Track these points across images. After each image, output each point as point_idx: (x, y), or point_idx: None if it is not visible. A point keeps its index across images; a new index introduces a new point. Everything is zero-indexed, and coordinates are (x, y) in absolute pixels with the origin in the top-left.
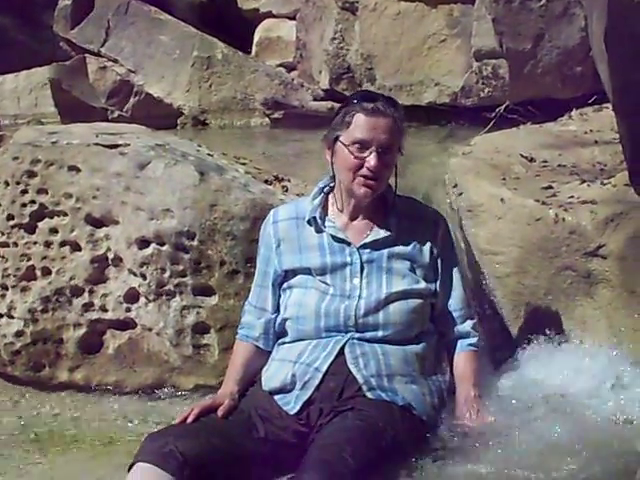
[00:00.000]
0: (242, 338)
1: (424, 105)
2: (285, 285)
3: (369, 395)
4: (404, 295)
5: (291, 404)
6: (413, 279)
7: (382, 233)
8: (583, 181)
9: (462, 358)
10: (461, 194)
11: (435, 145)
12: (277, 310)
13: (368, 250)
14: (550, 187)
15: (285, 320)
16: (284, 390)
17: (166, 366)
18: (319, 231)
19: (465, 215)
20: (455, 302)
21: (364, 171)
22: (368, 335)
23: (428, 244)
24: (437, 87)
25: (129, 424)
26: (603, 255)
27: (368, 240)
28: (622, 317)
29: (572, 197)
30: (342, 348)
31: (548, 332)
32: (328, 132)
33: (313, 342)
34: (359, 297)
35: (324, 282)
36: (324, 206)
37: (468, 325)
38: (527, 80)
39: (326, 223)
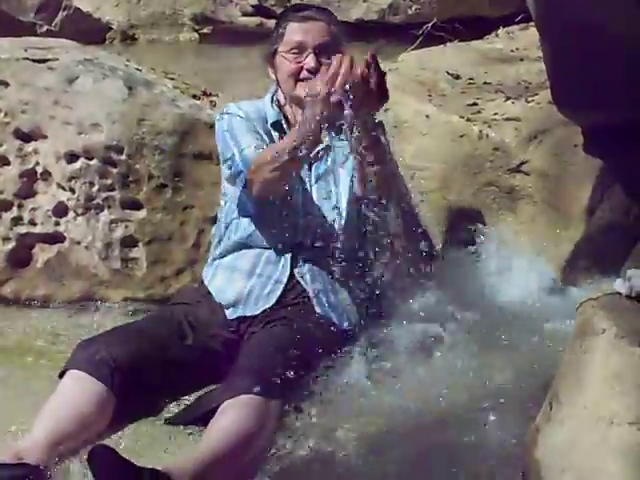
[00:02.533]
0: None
1: (352, 22)
2: None
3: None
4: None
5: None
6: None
7: (326, 142)
8: (508, 98)
9: None
10: (387, 110)
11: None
12: None
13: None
14: (475, 104)
15: (231, 221)
16: (238, 303)
17: (95, 279)
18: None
19: (391, 131)
20: None
21: (304, 74)
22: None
23: None
24: (365, 4)
25: (58, 336)
26: (526, 171)
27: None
28: (544, 231)
29: (496, 114)
30: (292, 260)
31: (471, 247)
32: (267, 50)
33: (265, 253)
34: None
35: None
36: None
37: None
38: None
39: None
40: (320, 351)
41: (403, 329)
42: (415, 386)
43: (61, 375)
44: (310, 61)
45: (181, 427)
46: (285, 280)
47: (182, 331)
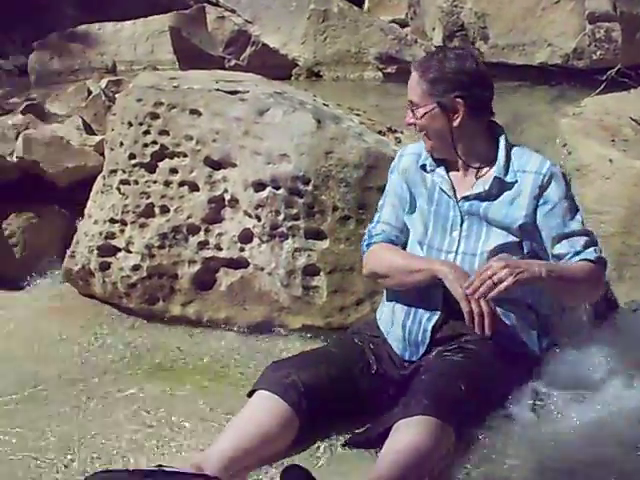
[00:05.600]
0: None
1: (536, 65)
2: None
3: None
4: (502, 249)
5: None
6: (512, 233)
7: (482, 187)
8: None
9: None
10: (570, 154)
11: (546, 105)
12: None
13: (469, 203)
14: None
15: None
16: (399, 346)
17: (275, 305)
18: (427, 177)
19: (574, 174)
20: (563, 246)
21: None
22: None
23: (528, 198)
24: (550, 48)
25: (238, 358)
26: None
27: (469, 193)
28: None
29: None
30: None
31: None
32: None
33: (415, 298)
34: (456, 252)
35: (426, 232)
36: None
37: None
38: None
39: (434, 170)
40: (499, 382)
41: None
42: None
43: (250, 394)
44: (407, 117)
45: (356, 450)
46: (436, 318)
47: (366, 359)
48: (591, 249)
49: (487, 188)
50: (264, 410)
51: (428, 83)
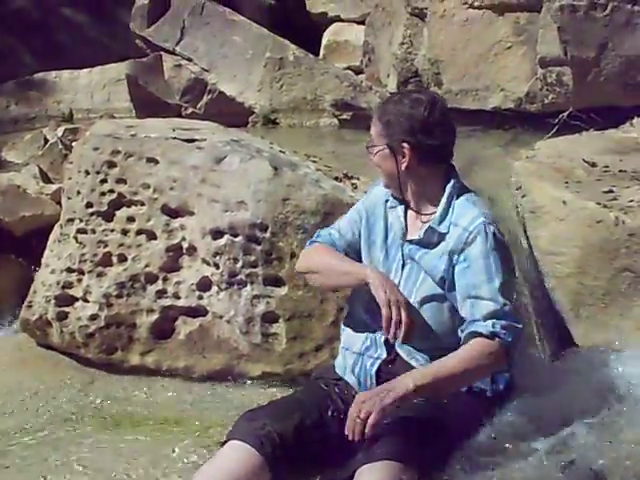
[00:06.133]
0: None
1: (489, 110)
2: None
3: None
4: (432, 299)
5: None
6: (438, 285)
7: (418, 234)
8: None
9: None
10: (524, 196)
11: (500, 149)
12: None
13: (410, 247)
14: (611, 191)
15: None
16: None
17: (235, 353)
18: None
19: (528, 216)
20: (464, 309)
21: None
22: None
23: (449, 253)
24: (502, 92)
25: (198, 407)
26: None
27: (412, 237)
28: None
29: (632, 201)
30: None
31: (606, 333)
32: None
33: (364, 337)
34: None
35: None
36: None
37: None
38: (590, 88)
39: (394, 207)
40: (457, 423)
41: None
42: None
43: (223, 443)
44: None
45: None
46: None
47: (334, 403)
48: (489, 322)
49: (421, 236)
50: (236, 460)
51: (382, 125)
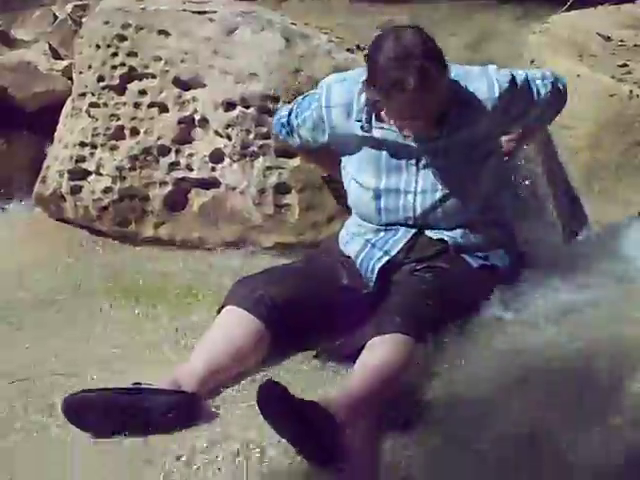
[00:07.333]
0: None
1: None
2: (342, 164)
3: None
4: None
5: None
6: (469, 172)
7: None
8: None
9: None
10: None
11: (512, 22)
12: None
13: (425, 144)
14: (625, 65)
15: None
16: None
17: (248, 224)
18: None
19: None
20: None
21: None
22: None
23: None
24: None
25: (211, 278)
26: None
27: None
28: None
29: None
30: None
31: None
32: None
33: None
34: (415, 192)
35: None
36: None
37: None
38: None
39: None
40: (468, 298)
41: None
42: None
43: (219, 310)
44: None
45: (328, 363)
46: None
47: (336, 272)
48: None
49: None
50: (234, 325)
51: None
